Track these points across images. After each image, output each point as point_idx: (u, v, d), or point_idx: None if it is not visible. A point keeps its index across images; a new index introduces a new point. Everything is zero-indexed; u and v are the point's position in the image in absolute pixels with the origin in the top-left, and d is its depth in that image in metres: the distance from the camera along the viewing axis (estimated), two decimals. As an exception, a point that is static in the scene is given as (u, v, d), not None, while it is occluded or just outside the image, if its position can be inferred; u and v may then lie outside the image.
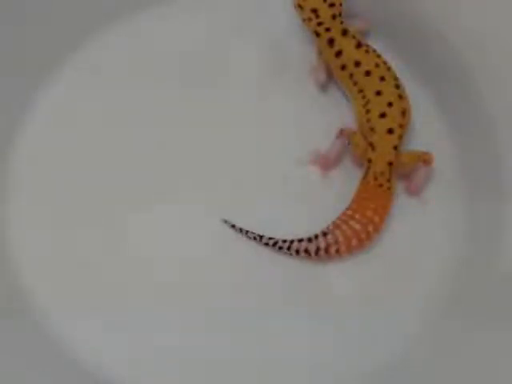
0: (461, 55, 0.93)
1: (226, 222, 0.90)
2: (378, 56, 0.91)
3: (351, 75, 0.91)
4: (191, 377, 0.86)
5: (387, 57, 0.92)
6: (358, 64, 0.90)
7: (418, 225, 0.91)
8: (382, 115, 0.89)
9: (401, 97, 0.89)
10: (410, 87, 0.91)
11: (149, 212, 0.91)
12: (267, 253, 0.89)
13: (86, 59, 0.97)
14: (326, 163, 0.93)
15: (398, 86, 0.90)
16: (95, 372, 0.85)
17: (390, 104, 0.89)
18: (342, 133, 0.92)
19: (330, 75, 0.95)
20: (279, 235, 0.88)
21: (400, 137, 0.89)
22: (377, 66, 0.90)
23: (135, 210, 0.91)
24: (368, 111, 0.89)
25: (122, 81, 0.96)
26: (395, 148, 0.88)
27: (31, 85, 0.95)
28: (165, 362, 0.86)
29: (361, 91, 0.90)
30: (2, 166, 0.93)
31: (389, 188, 0.88)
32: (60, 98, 0.96)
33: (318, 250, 0.87)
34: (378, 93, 0.89)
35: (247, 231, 0.89)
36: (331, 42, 0.92)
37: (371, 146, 0.89)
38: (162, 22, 0.98)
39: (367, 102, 0.89)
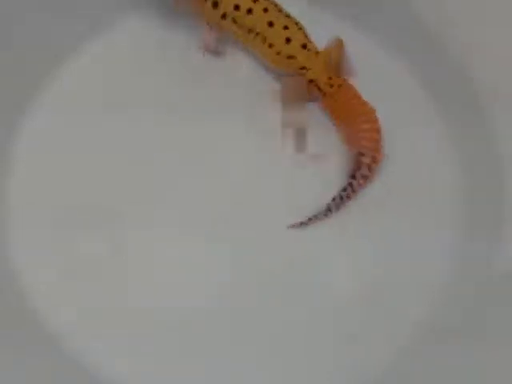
0: (461, 56, 0.93)
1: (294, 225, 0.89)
2: None
3: (233, 20, 0.90)
4: (191, 377, 0.86)
5: (386, 57, 0.92)
6: (237, 7, 0.90)
7: (418, 225, 0.91)
8: (288, 40, 0.89)
9: (288, 16, 0.90)
10: (410, 87, 0.91)
11: (149, 212, 0.91)
12: (267, 252, 0.89)
13: (85, 59, 0.97)
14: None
15: (288, 15, 0.90)
16: (95, 372, 0.85)
17: (286, 27, 0.89)
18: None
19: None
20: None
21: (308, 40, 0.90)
22: (256, 1, 0.90)
23: (135, 210, 0.91)
24: (271, 45, 0.90)
25: (122, 81, 0.96)
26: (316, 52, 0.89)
27: (31, 85, 0.95)
28: (165, 362, 0.86)
29: (250, 31, 0.90)
30: (2, 166, 0.93)
31: (340, 85, 0.89)
32: (60, 97, 0.96)
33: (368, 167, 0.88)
34: (270, 24, 0.89)
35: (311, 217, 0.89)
36: (215, 4, 0.91)
37: (304, 68, 0.89)
38: (162, 22, 0.99)
39: (264, 38, 0.90)
